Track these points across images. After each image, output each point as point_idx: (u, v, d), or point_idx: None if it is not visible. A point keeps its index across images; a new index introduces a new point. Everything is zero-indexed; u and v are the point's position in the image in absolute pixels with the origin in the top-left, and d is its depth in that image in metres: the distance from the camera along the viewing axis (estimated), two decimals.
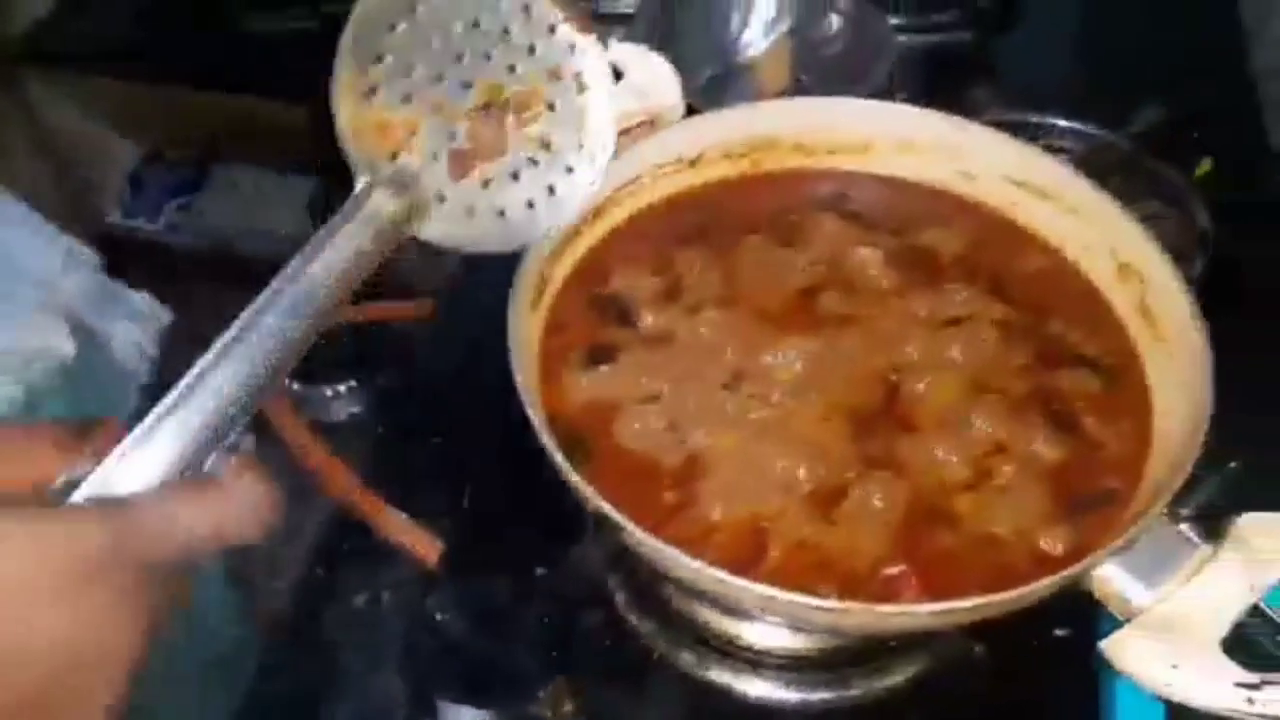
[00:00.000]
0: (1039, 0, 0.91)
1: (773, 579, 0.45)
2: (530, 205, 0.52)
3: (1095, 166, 0.77)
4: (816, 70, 0.85)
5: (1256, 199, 0.79)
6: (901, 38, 0.87)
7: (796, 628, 0.54)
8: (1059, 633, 0.57)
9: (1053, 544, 0.48)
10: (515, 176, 0.51)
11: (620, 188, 0.59)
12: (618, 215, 0.59)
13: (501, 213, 0.51)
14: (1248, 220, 0.77)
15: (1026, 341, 0.55)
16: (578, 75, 0.52)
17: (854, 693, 0.56)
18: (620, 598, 0.58)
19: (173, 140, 1.69)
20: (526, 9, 0.50)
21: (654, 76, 0.61)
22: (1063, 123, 0.79)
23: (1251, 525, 0.44)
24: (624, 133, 0.60)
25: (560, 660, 0.56)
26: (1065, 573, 0.43)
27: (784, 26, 0.86)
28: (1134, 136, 0.79)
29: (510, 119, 0.51)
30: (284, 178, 1.71)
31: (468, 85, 0.49)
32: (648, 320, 0.56)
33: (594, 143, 0.53)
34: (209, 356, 0.39)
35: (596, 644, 0.57)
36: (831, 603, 0.41)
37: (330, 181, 1.68)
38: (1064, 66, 0.88)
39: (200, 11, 1.43)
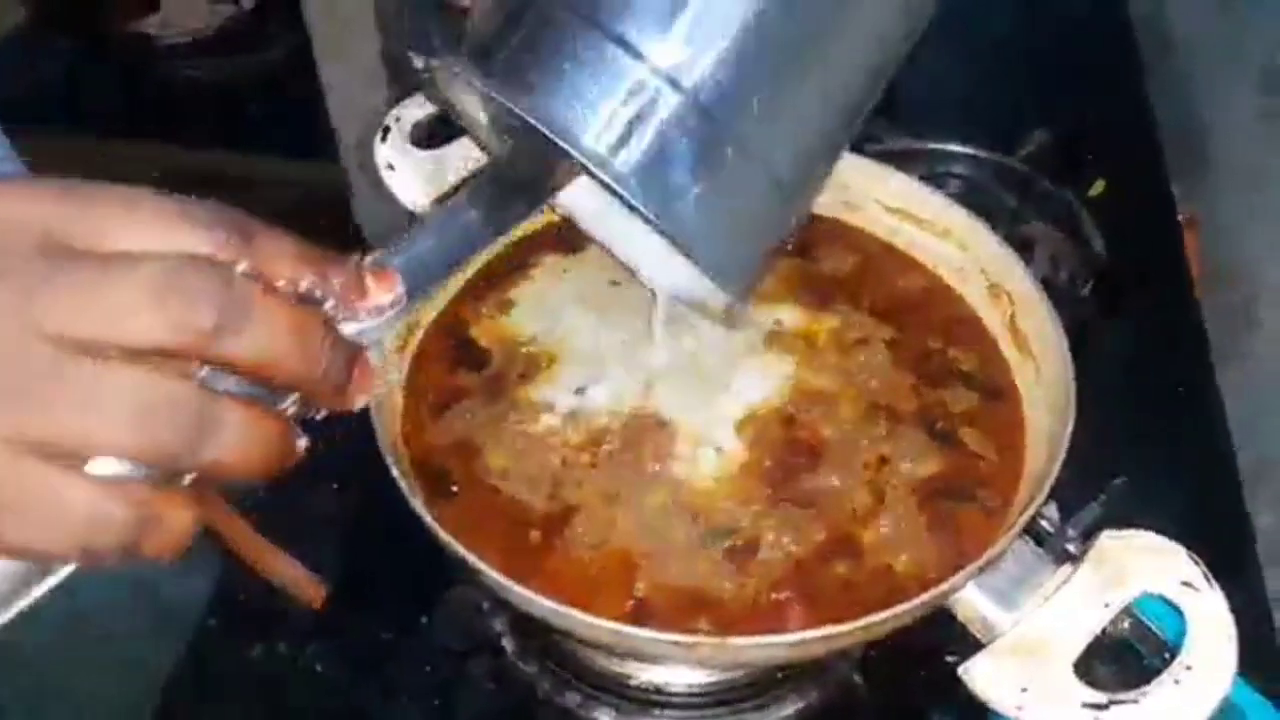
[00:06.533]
0: (930, 28, 0.92)
1: (643, 613, 0.45)
2: None
3: (988, 190, 0.78)
4: None
5: (1148, 218, 0.80)
6: None
7: (671, 663, 0.53)
8: (950, 659, 0.56)
9: (928, 569, 0.47)
10: None
11: None
12: (492, 251, 0.59)
13: None
14: (1141, 239, 0.78)
15: (913, 360, 0.55)
16: None
17: None
18: (506, 642, 0.57)
19: None
20: None
21: None
22: (956, 148, 0.80)
23: (1112, 542, 0.43)
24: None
25: (444, 709, 0.55)
26: (924, 598, 0.43)
27: None
28: (1027, 159, 0.80)
29: None
30: None
31: None
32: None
33: None
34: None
35: (481, 690, 0.56)
36: (680, 636, 0.41)
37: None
38: (957, 92, 0.90)
39: (120, 62, 1.43)
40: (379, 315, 0.33)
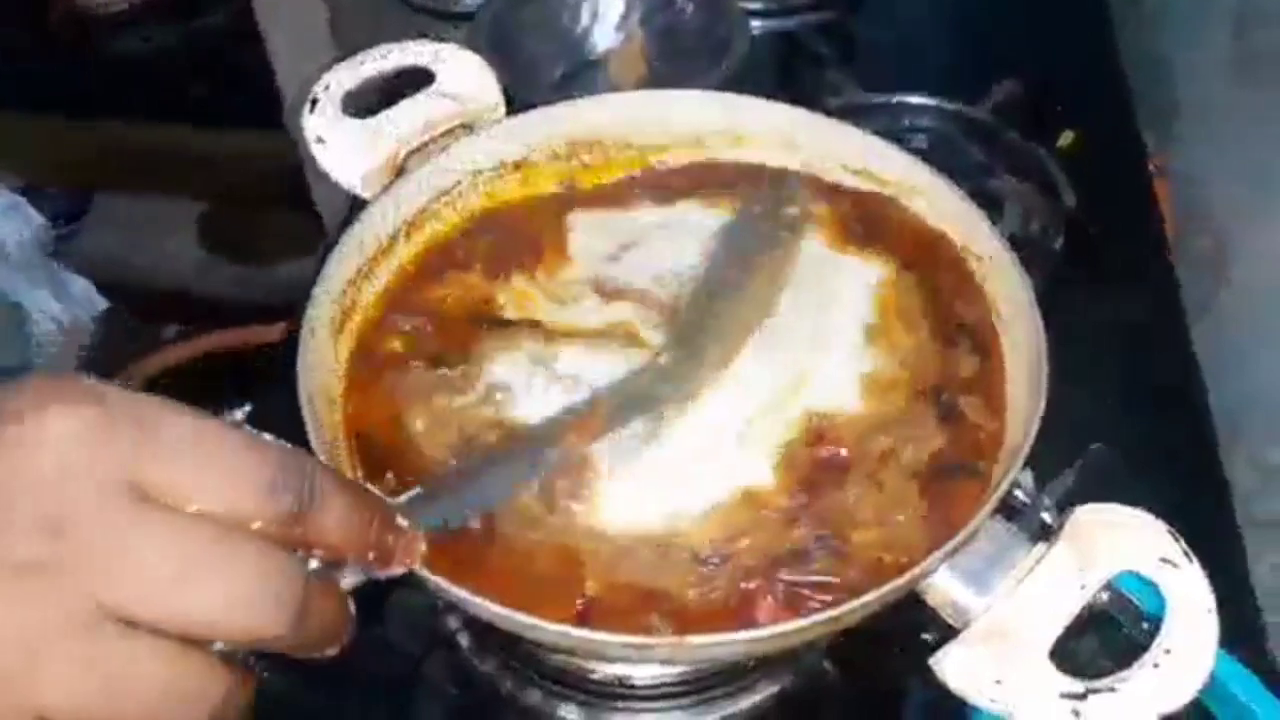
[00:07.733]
0: None
1: (596, 610, 0.43)
2: None
3: (955, 143, 0.76)
4: (670, 60, 0.82)
5: (1119, 169, 0.78)
6: (756, 22, 0.84)
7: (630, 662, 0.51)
8: (927, 637, 0.54)
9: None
10: None
11: (436, 198, 0.55)
12: (436, 228, 0.56)
13: None
14: (1111, 191, 0.76)
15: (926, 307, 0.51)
16: None
17: (714, 717, 0.53)
18: (463, 639, 0.54)
19: (49, 172, 1.63)
20: None
21: (469, 75, 0.58)
22: (921, 100, 0.77)
23: (1087, 517, 0.41)
24: (439, 137, 0.57)
25: (402, 713, 0.53)
26: (894, 584, 0.40)
27: (635, 17, 0.83)
28: (994, 110, 0.77)
29: None
30: (169, 201, 1.65)
31: None
32: None
33: None
34: None
35: (440, 691, 0.54)
36: (634, 638, 0.38)
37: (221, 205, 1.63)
38: (921, 43, 0.86)
39: (61, 38, 1.38)
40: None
